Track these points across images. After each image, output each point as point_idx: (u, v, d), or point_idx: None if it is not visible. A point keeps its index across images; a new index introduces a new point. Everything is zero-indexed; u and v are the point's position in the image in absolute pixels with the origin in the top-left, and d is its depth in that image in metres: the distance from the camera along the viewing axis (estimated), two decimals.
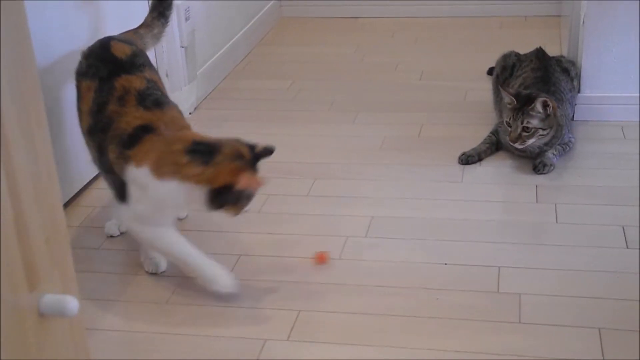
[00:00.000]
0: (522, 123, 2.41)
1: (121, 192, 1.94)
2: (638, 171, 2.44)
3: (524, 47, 2.88)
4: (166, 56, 2.92)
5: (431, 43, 3.67)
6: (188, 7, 2.96)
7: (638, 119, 2.74)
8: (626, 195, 2.33)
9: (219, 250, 2.12)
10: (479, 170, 2.52)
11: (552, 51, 2.85)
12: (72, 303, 0.95)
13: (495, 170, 2.52)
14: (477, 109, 2.92)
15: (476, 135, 2.65)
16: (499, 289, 1.95)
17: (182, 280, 2.03)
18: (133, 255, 2.14)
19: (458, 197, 2.38)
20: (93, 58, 2.05)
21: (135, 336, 1.87)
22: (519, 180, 2.45)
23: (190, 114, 3.00)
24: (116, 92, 1.94)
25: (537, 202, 2.33)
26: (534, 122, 2.42)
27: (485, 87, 2.97)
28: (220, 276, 1.92)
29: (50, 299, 0.95)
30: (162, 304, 1.97)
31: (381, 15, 4.02)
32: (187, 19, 2.97)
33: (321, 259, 2.07)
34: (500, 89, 2.55)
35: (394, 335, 1.82)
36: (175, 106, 1.99)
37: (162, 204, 1.89)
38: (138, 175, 1.86)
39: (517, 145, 2.45)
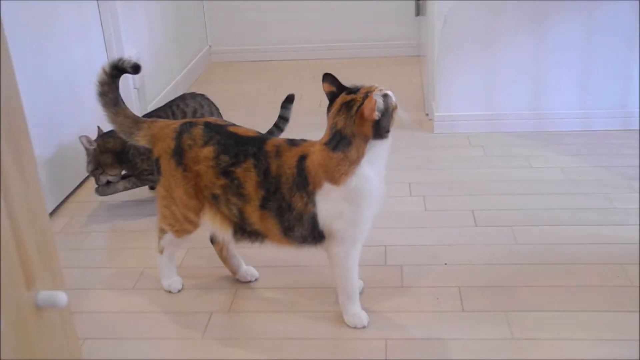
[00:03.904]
0: None
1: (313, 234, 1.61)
2: (480, 169, 2.55)
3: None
4: (122, 97, 2.85)
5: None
6: (138, 57, 2.91)
7: (481, 130, 2.86)
8: (473, 187, 2.43)
9: None
10: None
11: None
12: (62, 296, 0.93)
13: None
14: None
15: None
16: (386, 262, 2.01)
17: (146, 272, 2.00)
18: (103, 252, 2.09)
19: None
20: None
21: (108, 316, 1.84)
22: (392, 179, 2.51)
23: None
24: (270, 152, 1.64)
25: (410, 195, 2.41)
26: None
27: None
28: (357, 313, 1.72)
29: (44, 294, 0.93)
30: (129, 289, 1.94)
31: (287, 58, 4.04)
32: None
33: None
34: None
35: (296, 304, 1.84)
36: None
37: (373, 186, 1.58)
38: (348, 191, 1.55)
39: None
